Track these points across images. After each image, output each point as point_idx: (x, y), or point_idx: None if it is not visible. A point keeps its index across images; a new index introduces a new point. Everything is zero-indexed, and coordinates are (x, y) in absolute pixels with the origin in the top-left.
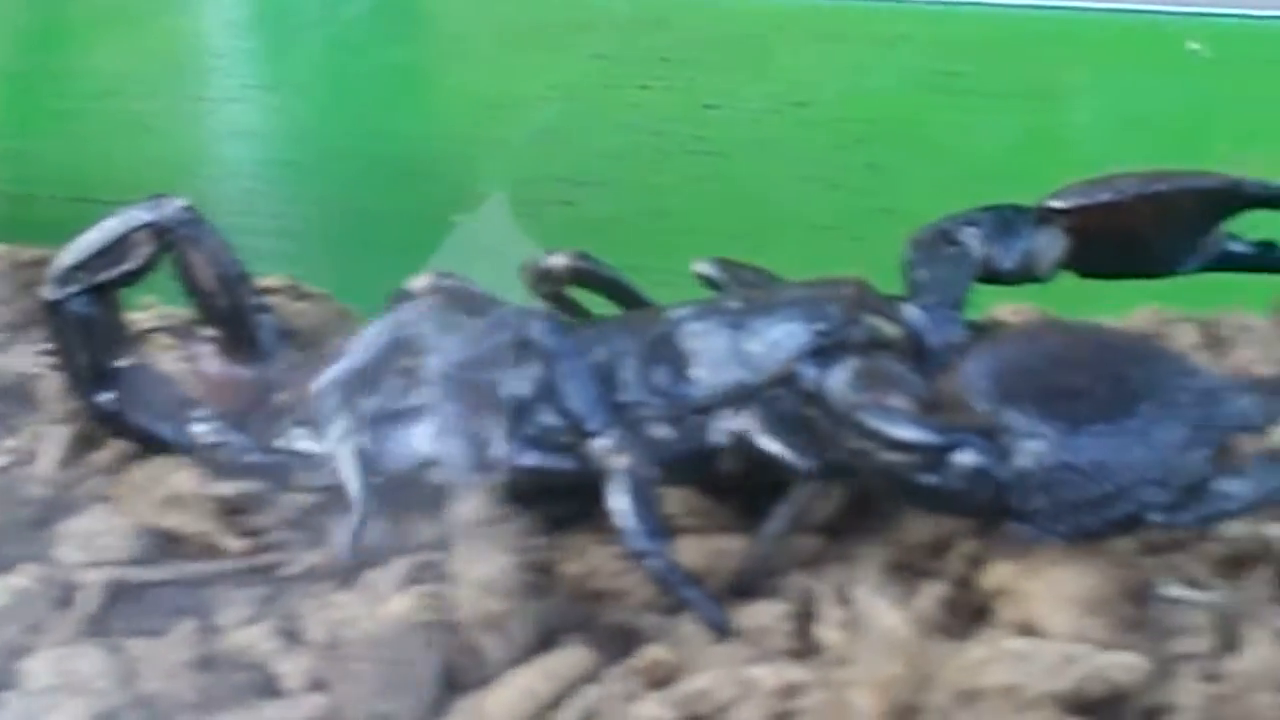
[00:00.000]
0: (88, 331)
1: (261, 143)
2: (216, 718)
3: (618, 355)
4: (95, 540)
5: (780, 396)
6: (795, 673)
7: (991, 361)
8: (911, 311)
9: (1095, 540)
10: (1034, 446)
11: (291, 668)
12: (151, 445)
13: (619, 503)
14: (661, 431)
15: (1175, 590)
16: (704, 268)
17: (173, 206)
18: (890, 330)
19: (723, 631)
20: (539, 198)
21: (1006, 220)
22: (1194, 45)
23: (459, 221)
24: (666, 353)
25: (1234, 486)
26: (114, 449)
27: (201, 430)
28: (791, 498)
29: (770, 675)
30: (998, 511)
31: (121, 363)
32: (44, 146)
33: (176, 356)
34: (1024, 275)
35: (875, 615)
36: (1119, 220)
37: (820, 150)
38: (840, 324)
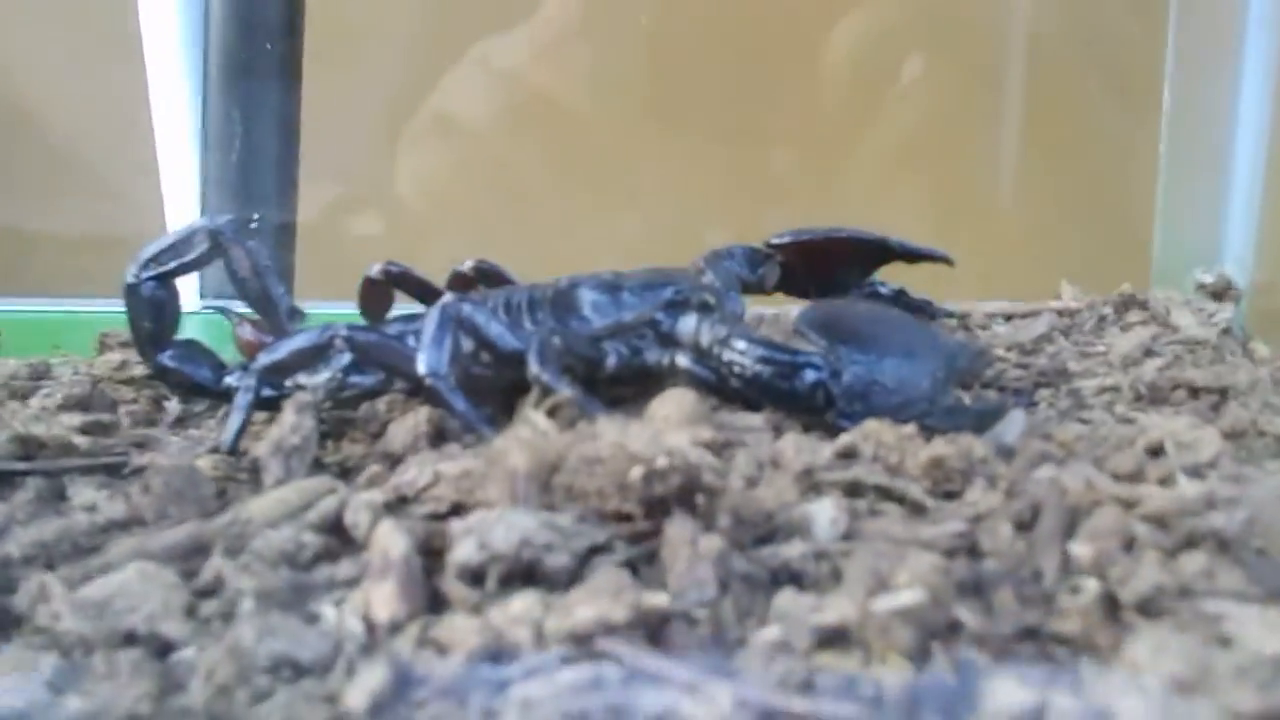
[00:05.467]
0: (155, 308)
1: None
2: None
3: (538, 303)
4: None
5: (645, 334)
6: (471, 464)
7: (826, 316)
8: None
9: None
10: (855, 369)
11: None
12: (193, 391)
13: (424, 336)
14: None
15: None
16: None
17: (223, 218)
18: (712, 298)
19: (484, 435)
20: None
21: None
22: None
23: None
24: (570, 304)
25: (960, 409)
26: None
27: (230, 380)
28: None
29: (453, 467)
30: (827, 409)
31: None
32: None
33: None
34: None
35: (537, 422)
36: (811, 258)
37: None
38: (686, 290)
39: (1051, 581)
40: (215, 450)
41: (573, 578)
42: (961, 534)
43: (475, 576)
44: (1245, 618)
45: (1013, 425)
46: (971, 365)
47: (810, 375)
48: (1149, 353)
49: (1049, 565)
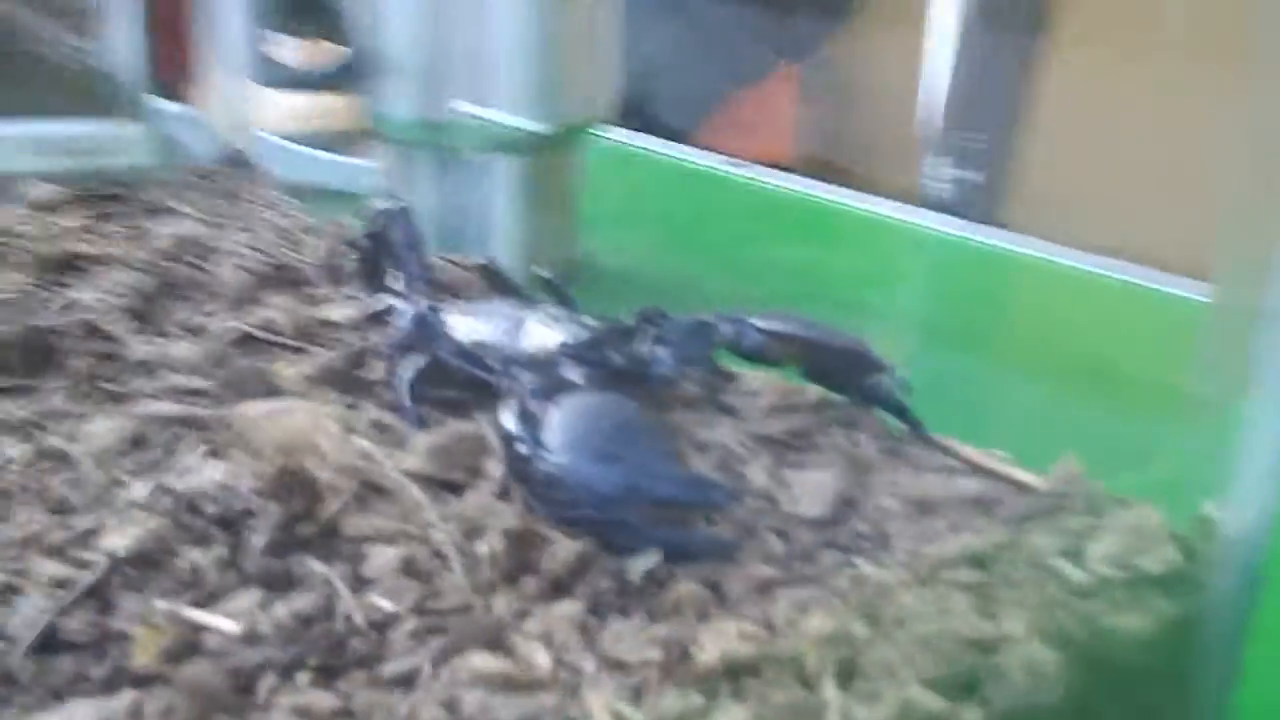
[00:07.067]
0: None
1: None
2: None
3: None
4: None
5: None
6: None
7: (570, 404)
8: (649, 351)
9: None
10: (550, 463)
11: None
12: None
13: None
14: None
15: None
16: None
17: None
18: (617, 360)
19: (420, 425)
20: None
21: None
22: None
23: None
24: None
25: (641, 533)
26: None
27: None
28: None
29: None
30: (527, 484)
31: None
32: None
33: None
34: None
35: None
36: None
37: None
38: (584, 345)
39: None
40: None
41: None
42: None
43: None
44: None
45: (643, 562)
46: (692, 501)
47: (518, 447)
48: None
49: None
